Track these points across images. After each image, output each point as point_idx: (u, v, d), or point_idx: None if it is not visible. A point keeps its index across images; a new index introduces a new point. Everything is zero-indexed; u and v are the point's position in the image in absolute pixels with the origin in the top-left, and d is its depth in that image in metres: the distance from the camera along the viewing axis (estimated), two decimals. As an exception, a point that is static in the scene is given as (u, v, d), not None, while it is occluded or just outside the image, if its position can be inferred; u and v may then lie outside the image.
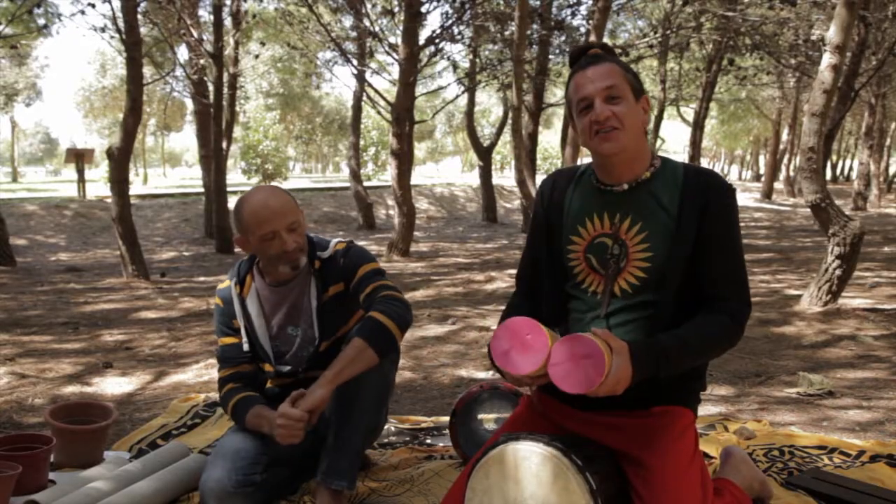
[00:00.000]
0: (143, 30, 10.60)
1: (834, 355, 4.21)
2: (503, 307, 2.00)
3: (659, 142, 17.55)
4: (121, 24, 7.76)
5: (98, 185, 22.90)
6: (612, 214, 1.77)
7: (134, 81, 7.56)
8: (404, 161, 10.28)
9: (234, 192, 13.15)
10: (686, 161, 17.19)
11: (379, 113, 13.88)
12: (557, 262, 1.83)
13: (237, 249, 11.60)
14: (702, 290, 1.72)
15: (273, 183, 26.47)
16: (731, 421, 2.97)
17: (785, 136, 27.72)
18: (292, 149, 46.81)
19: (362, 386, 2.14)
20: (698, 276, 1.72)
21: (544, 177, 1.99)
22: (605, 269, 1.76)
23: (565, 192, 1.87)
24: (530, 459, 1.58)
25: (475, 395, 2.50)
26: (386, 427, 2.83)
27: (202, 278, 8.47)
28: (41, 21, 14.03)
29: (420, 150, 52.46)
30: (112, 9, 8.98)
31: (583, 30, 13.66)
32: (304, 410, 2.02)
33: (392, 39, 13.18)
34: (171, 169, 66.01)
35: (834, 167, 39.31)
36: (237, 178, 31.56)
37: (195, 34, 12.28)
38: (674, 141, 45.02)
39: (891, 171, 30.97)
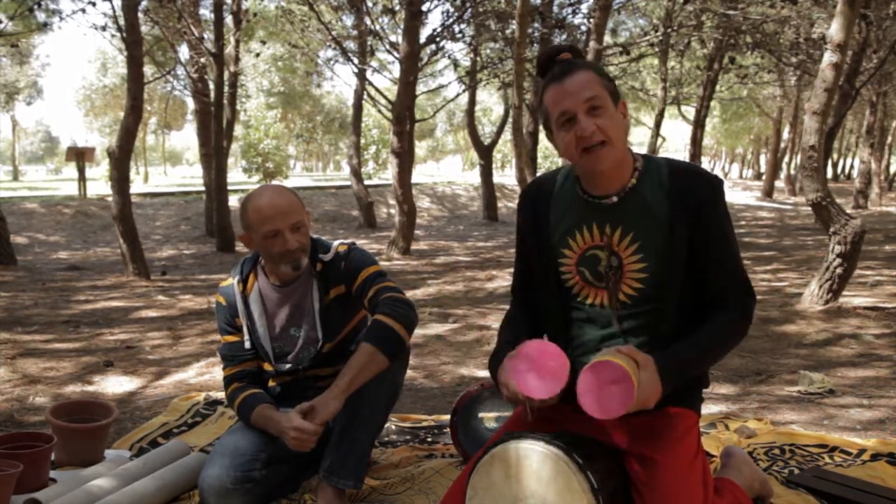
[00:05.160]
0: (143, 28, 10.59)
1: (835, 354, 4.20)
2: (504, 306, 1.99)
3: (660, 140, 17.52)
4: (121, 22, 7.76)
5: (99, 183, 22.91)
6: (602, 226, 1.73)
7: (135, 80, 7.56)
8: (405, 159, 10.28)
9: (235, 191, 13.17)
10: (687, 158, 17.17)
11: (380, 111, 13.89)
12: (552, 276, 1.80)
13: (238, 248, 11.60)
14: (704, 290, 1.71)
15: (274, 181, 26.49)
16: (732, 419, 2.97)
17: (786, 134, 27.68)
18: (293, 147, 46.84)
19: (372, 387, 2.14)
20: (699, 277, 1.71)
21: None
22: (603, 282, 1.74)
23: (548, 202, 1.82)
24: (531, 458, 1.58)
25: (476, 393, 2.50)
26: (387, 425, 2.83)
27: (203, 277, 8.47)
28: (41, 18, 14.01)
29: (421, 148, 52.44)
30: (113, 7, 8.99)
31: (583, 28, 13.64)
32: (318, 424, 2.06)
33: (393, 38, 13.19)
34: (171, 167, 66.02)
35: (835, 166, 39.25)
36: (238, 177, 31.56)
37: (196, 33, 12.28)
38: (675, 139, 44.99)
39: (892, 170, 30.95)
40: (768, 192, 25.83)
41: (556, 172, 1.86)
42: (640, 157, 1.75)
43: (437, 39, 12.09)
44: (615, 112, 1.66)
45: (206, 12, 14.16)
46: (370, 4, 12.94)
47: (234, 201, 13.19)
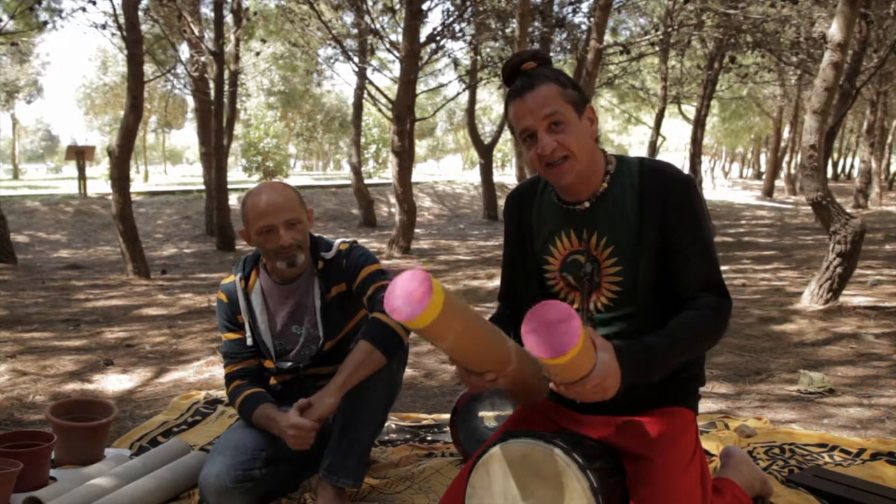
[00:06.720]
0: (144, 27, 10.59)
1: (835, 353, 4.21)
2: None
3: (660, 139, 17.52)
4: (122, 20, 7.75)
5: (99, 182, 22.89)
6: (580, 231, 1.73)
7: (135, 79, 7.56)
8: (405, 158, 10.28)
9: (235, 190, 13.13)
10: (688, 157, 17.10)
11: (380, 110, 13.88)
12: (535, 283, 1.80)
13: (238, 246, 11.60)
14: (678, 291, 1.69)
15: (274, 180, 26.47)
16: (731, 419, 2.97)
17: (786, 133, 27.67)
18: (293, 146, 46.79)
19: (371, 385, 2.15)
20: (672, 278, 1.69)
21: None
22: (581, 286, 1.74)
23: (531, 209, 1.82)
24: (531, 457, 1.58)
25: (476, 393, 2.50)
26: (387, 424, 2.84)
27: (203, 275, 8.47)
28: (42, 17, 14.00)
29: (421, 147, 52.41)
30: (113, 6, 8.97)
31: (584, 27, 13.63)
32: (314, 420, 2.05)
33: (393, 37, 13.18)
34: (171, 166, 65.99)
35: (835, 165, 39.24)
36: (238, 176, 31.55)
37: (196, 31, 12.27)
38: (675, 138, 44.97)
39: (892, 169, 30.93)
40: (768, 192, 25.83)
41: (537, 178, 1.85)
42: (613, 159, 1.74)
43: (438, 38, 12.08)
44: (578, 123, 1.65)
45: (206, 11, 14.17)
46: (370, 3, 12.93)
47: (234, 200, 13.19)
